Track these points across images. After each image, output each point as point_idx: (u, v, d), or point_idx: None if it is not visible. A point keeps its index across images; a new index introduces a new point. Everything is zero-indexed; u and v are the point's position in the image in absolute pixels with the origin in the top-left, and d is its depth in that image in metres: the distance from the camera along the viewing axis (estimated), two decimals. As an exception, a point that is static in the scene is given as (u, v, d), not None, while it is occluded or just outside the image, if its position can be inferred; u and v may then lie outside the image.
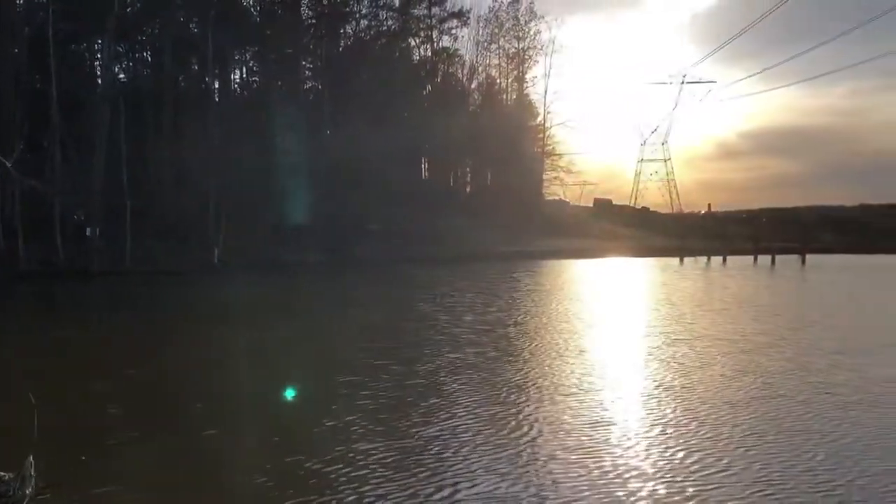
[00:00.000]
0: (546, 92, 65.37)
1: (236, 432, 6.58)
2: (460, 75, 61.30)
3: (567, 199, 74.95)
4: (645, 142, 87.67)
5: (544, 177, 69.29)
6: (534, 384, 8.36)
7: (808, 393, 7.85)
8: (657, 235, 60.68)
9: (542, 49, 63.97)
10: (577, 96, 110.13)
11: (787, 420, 6.75)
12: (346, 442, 6.07)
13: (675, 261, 47.01)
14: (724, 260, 46.53)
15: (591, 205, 77.49)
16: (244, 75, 48.12)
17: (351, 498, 4.76)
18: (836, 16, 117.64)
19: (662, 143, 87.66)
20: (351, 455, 5.67)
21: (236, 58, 46.42)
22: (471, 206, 55.54)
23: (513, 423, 6.64)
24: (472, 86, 63.06)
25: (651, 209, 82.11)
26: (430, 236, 44.44)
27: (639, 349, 11.35)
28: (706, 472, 5.24)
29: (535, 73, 65.04)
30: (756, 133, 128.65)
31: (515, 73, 64.02)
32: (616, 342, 11.96)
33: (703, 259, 48.46)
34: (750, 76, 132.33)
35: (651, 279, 29.91)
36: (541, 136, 66.35)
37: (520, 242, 51.96)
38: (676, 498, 4.76)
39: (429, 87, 57.79)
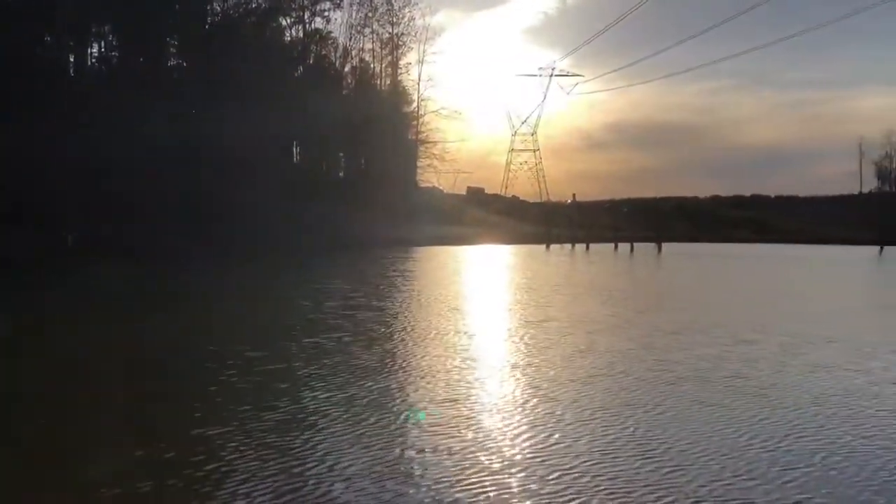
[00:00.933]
0: (420, 79, 65.61)
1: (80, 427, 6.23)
2: (333, 59, 60.43)
3: (441, 187, 75.59)
4: (515, 132, 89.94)
5: (418, 164, 69.54)
6: (387, 367, 8.40)
7: (645, 370, 8.31)
8: (526, 223, 62.39)
9: (416, 35, 64.10)
10: (451, 85, 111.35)
11: (621, 394, 7.11)
12: (184, 429, 5.87)
13: (541, 248, 48.62)
14: (587, 247, 48.60)
15: (464, 193, 78.60)
16: (103, 50, 45.29)
17: (190, 481, 4.61)
18: (696, 16, 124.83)
19: (532, 134, 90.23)
20: (187, 443, 5.49)
21: (94, 30, 43.65)
22: (344, 193, 54.97)
23: (362, 404, 6.64)
24: (346, 70, 62.35)
25: (521, 198, 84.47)
26: (302, 223, 43.66)
27: (494, 331, 11.67)
28: (540, 445, 5.43)
29: (409, 59, 65.11)
30: (621, 127, 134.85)
31: (390, 58, 63.83)
32: (473, 325, 12.22)
33: (568, 246, 50.38)
34: (614, 71, 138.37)
35: (517, 265, 30.77)
36: (415, 122, 66.55)
37: (393, 229, 51.98)
38: (507, 468, 4.91)
39: (301, 70, 56.62)
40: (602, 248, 48.12)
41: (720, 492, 4.54)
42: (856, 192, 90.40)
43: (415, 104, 66.24)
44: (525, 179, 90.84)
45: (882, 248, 56.36)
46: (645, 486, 4.63)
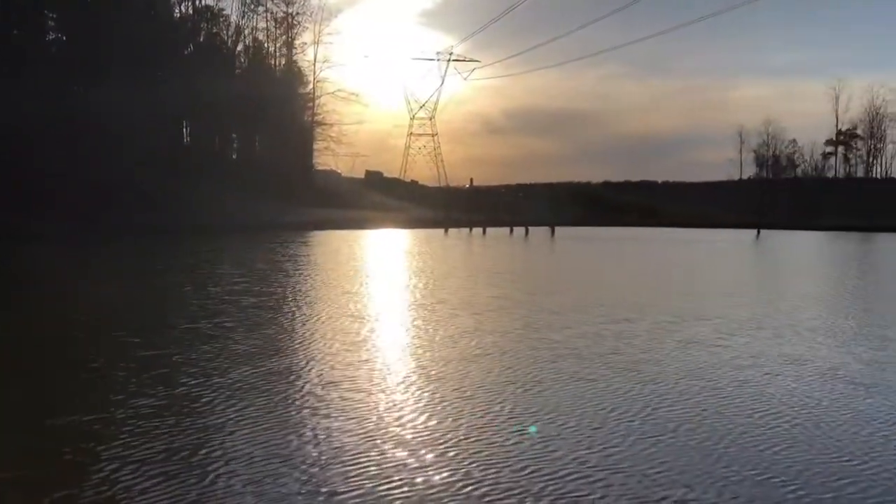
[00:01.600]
0: (316, 60, 64.51)
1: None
2: (225, 37, 58.53)
3: (339, 171, 74.71)
4: (414, 116, 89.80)
5: (315, 147, 68.50)
6: (268, 352, 8.25)
7: (527, 348, 8.51)
8: (425, 207, 62.61)
9: (311, 15, 62.98)
10: (349, 67, 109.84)
11: (503, 373, 7.25)
12: (47, 418, 5.58)
13: (440, 232, 48.88)
14: (484, 231, 49.24)
15: (362, 177, 77.99)
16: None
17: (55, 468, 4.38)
18: (590, 4, 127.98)
19: (430, 119, 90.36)
20: (49, 433, 5.22)
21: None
22: (238, 174, 53.54)
23: (239, 389, 6.49)
24: (239, 49, 60.55)
25: (420, 182, 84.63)
26: (191, 205, 42.24)
27: (383, 314, 11.65)
28: (420, 424, 5.47)
29: (304, 39, 63.87)
30: (518, 113, 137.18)
31: (284, 38, 62.43)
32: (363, 308, 12.16)
33: (466, 230, 50.90)
34: (511, 57, 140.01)
35: (414, 249, 30.84)
36: (311, 104, 65.45)
37: (288, 213, 51.06)
38: (386, 447, 4.92)
39: (191, 48, 54.54)
40: (498, 233, 48.87)
41: (585, 459, 4.72)
42: (736, 179, 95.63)
43: (311, 85, 65.16)
44: (424, 164, 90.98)
45: (759, 231, 59.91)
46: (514, 457, 4.76)
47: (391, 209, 62.57)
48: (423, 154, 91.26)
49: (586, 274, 21.09)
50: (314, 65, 64.60)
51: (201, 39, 55.88)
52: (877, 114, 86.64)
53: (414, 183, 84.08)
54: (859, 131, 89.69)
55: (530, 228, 49.24)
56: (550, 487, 4.29)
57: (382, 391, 6.50)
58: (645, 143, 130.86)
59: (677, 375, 7.27)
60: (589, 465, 4.66)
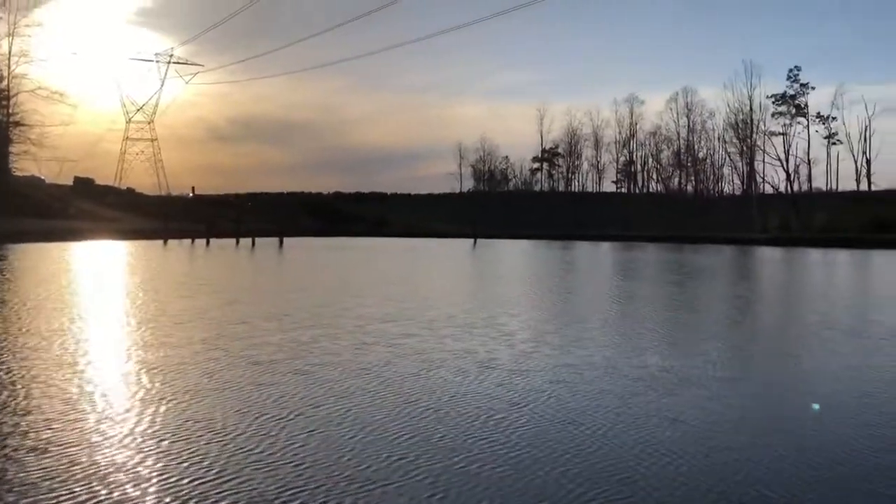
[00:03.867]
0: (11, 53, 57.84)
1: None
2: None
3: (43, 177, 67.55)
4: (130, 119, 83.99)
5: (12, 149, 61.27)
6: None
7: (221, 359, 8.39)
8: (143, 217, 58.77)
9: (3, 4, 56.33)
10: (53, 63, 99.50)
11: (176, 381, 7.08)
12: None
13: (159, 243, 46.13)
14: (208, 242, 47.38)
15: (71, 183, 71.28)
16: None
17: None
18: (319, 14, 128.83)
19: (149, 123, 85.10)
20: None
21: None
22: None
23: None
24: None
25: (137, 190, 79.26)
26: None
27: (56, 333, 10.76)
28: (66, 434, 5.17)
29: (-5, 30, 56.97)
30: (247, 120, 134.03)
31: (-31, 26, 55.11)
32: (38, 324, 11.12)
33: (188, 241, 48.62)
34: (237, 63, 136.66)
35: (124, 262, 28.83)
36: (5, 103, 58.46)
37: (-24, 223, 45.09)
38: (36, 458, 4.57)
39: None
40: (224, 244, 47.34)
41: (233, 456, 4.80)
42: (457, 191, 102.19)
43: (5, 81, 58.16)
44: (142, 170, 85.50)
45: (475, 240, 64.50)
46: (166, 461, 4.69)
47: (104, 219, 57.79)
48: (140, 160, 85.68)
49: (294, 283, 21.20)
50: (9, 58, 57.82)
51: None
52: (574, 134, 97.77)
53: (131, 191, 78.51)
54: (560, 150, 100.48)
55: (258, 240, 48.33)
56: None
57: (57, 410, 6.02)
58: (374, 155, 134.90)
59: (352, 373, 7.63)
60: (239, 462, 4.73)
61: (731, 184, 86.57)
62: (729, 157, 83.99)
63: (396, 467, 4.80)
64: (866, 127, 72.05)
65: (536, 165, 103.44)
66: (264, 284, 20.73)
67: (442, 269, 28.22)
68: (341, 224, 76.54)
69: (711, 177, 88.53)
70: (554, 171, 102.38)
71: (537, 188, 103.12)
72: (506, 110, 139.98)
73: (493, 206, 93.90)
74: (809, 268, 31.64)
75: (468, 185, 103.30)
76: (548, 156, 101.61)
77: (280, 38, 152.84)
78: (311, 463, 4.87)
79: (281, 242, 48.47)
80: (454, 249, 45.93)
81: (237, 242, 48.42)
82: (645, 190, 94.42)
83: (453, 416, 6.08)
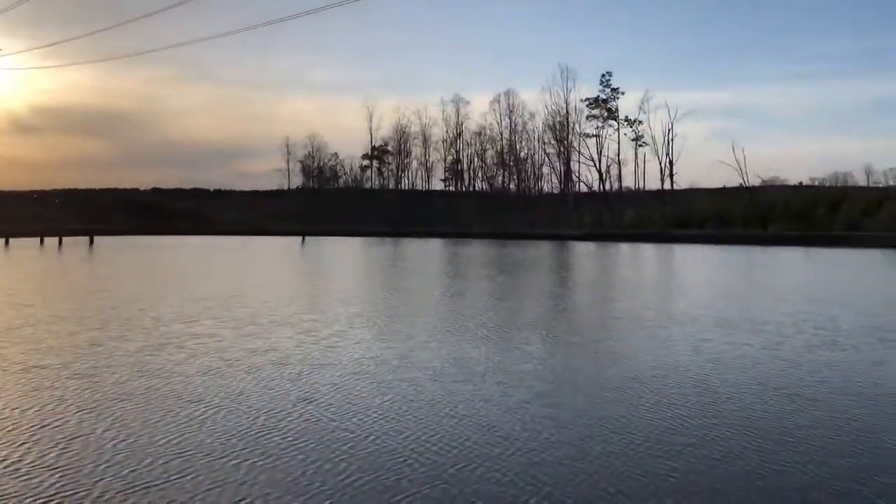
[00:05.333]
0: None
1: None
2: None
3: None
4: None
5: None
6: None
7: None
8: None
9: None
10: None
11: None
12: None
13: (-57, 244, 41.62)
14: (7, 242, 43.39)
15: None
16: None
17: None
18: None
19: (-64, 110, 76.56)
20: None
21: None
22: None
23: None
24: None
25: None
26: None
27: None
28: None
29: None
30: (55, 110, 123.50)
31: None
32: None
33: (-20, 242, 44.25)
34: (44, 47, 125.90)
35: None
36: None
37: None
38: None
39: None
40: (27, 243, 43.57)
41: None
42: (285, 188, 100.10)
43: None
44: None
45: (304, 238, 63.62)
46: None
47: None
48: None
49: (100, 284, 19.96)
50: None
51: None
52: (403, 132, 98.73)
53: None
54: (390, 147, 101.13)
55: (67, 239, 44.87)
56: None
57: None
58: (197, 149, 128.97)
59: (134, 376, 7.35)
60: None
61: (551, 183, 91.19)
62: (548, 157, 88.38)
63: (161, 472, 4.71)
64: (669, 130, 77.98)
65: (366, 163, 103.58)
66: (63, 287, 19.31)
67: (261, 268, 27.59)
68: (161, 222, 72.79)
69: (532, 176, 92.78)
70: (384, 169, 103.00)
71: (367, 185, 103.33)
72: (335, 106, 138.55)
73: (322, 203, 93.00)
74: (616, 261, 34.02)
75: (297, 181, 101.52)
76: (378, 153, 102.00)
77: (96, 23, 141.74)
78: (75, 469, 4.68)
79: (91, 242, 45.36)
80: (280, 248, 45.03)
81: (41, 242, 44.72)
82: (471, 188, 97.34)
83: (236, 415, 6.05)
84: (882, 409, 6.43)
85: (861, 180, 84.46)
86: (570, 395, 6.89)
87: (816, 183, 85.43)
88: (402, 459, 4.98)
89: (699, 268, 28.57)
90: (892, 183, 78.89)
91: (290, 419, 5.94)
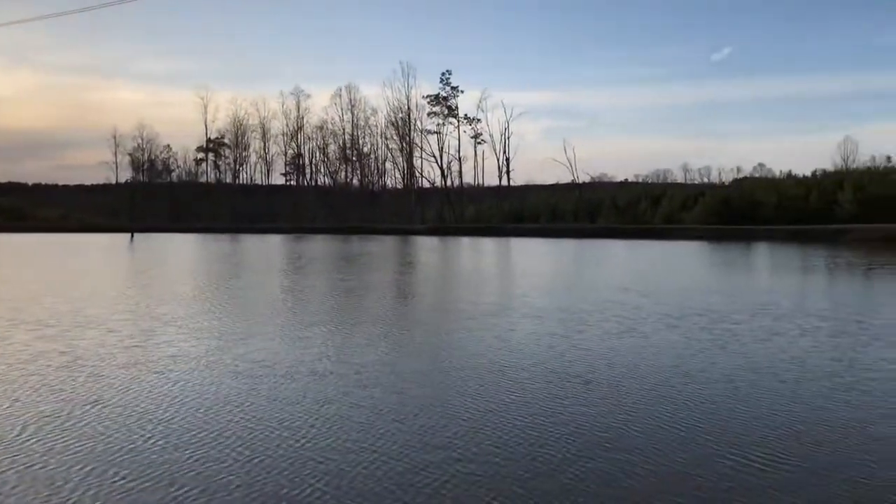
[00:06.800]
0: None
1: None
2: None
3: None
4: None
5: None
6: None
7: None
8: None
9: None
10: None
11: None
12: None
13: None
14: None
15: None
16: None
17: None
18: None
19: None
20: None
21: None
22: None
23: None
24: None
25: None
26: None
27: None
28: None
29: None
30: None
31: None
32: None
33: None
34: None
35: None
36: None
37: None
38: None
39: None
40: None
41: None
42: (113, 182, 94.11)
43: None
44: None
45: (133, 234, 60.21)
46: None
47: None
48: None
49: None
50: None
51: None
52: (240, 125, 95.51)
53: None
54: (226, 140, 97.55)
55: None
56: None
57: None
58: (13, 140, 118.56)
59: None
60: None
61: (394, 178, 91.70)
62: (391, 153, 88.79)
63: None
64: (506, 129, 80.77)
65: (201, 156, 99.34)
66: None
67: (78, 267, 25.85)
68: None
69: (375, 171, 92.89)
70: (220, 162, 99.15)
71: (203, 179, 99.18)
72: (166, 97, 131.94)
73: (155, 198, 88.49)
74: (454, 254, 34.80)
75: (126, 175, 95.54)
76: (213, 146, 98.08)
77: None
78: None
79: None
80: (104, 246, 42.36)
81: None
82: (314, 183, 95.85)
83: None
84: (660, 394, 7.03)
85: (679, 177, 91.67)
86: (363, 389, 7.01)
87: (640, 180, 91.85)
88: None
89: (525, 260, 29.79)
90: (705, 180, 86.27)
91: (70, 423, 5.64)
